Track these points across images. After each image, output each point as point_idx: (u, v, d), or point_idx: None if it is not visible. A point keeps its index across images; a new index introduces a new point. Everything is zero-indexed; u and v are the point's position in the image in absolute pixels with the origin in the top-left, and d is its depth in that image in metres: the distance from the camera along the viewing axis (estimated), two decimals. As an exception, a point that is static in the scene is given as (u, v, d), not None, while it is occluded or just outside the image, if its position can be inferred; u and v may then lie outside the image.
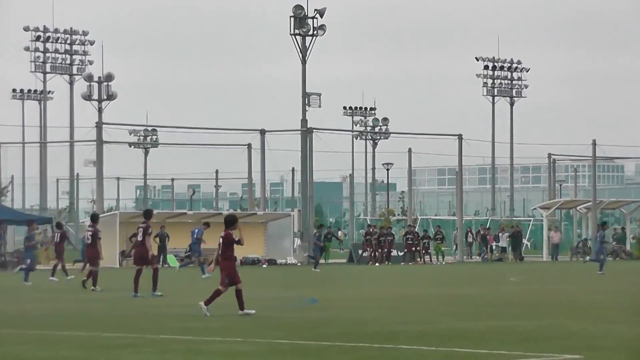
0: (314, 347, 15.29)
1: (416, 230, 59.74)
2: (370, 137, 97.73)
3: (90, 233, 29.85)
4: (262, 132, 61.22)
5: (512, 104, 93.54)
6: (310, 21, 59.89)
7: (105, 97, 68.04)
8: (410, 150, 67.49)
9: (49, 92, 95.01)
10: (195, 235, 38.31)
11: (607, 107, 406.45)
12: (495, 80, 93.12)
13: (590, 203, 66.32)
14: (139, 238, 26.22)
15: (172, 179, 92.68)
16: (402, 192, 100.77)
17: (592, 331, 17.73)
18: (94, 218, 30.55)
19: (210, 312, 19.77)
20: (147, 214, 27.44)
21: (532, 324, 19.16)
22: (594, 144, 66.07)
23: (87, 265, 31.46)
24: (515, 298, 26.41)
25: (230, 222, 20.26)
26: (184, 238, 43.87)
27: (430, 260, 57.59)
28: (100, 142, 57.99)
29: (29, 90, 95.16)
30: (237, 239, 19.98)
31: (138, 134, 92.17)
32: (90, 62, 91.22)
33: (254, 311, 20.07)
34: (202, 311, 19.76)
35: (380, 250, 55.82)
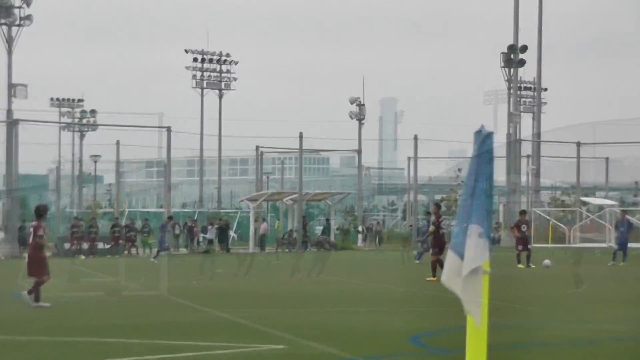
0: None
1: (123, 222, 60.69)
2: (77, 129, 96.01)
3: None
4: (-35, 124, 59.31)
5: (220, 97, 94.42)
6: (16, 11, 59.10)
7: None
8: (118, 143, 67.12)
9: None
10: None
11: (314, 101, 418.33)
12: (205, 73, 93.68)
13: (297, 195, 68.17)
14: None
15: None
16: (110, 184, 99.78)
17: (296, 321, 18.52)
18: None
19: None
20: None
21: (238, 314, 19.77)
22: (301, 136, 67.85)
23: None
24: (222, 289, 26.89)
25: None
26: None
27: (137, 253, 57.52)
28: None
29: None
30: None
31: None
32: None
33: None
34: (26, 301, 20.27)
35: (87, 243, 55.99)
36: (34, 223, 21.69)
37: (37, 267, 21.07)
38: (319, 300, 23.32)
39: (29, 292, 21.05)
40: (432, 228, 31.75)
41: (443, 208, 72.50)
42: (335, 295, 24.87)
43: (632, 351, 14.79)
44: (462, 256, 11.10)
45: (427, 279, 29.50)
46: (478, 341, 10.39)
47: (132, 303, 22.50)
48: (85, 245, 56.03)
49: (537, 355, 14.22)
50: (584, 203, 77.12)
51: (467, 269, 11.11)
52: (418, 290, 26.85)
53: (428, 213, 45.64)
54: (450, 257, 11.22)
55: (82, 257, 53.61)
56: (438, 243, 30.70)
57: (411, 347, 14.93)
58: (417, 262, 41.18)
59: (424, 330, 17.08)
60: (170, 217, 54.37)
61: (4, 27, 59.05)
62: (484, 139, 10.04)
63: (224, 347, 14.64)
